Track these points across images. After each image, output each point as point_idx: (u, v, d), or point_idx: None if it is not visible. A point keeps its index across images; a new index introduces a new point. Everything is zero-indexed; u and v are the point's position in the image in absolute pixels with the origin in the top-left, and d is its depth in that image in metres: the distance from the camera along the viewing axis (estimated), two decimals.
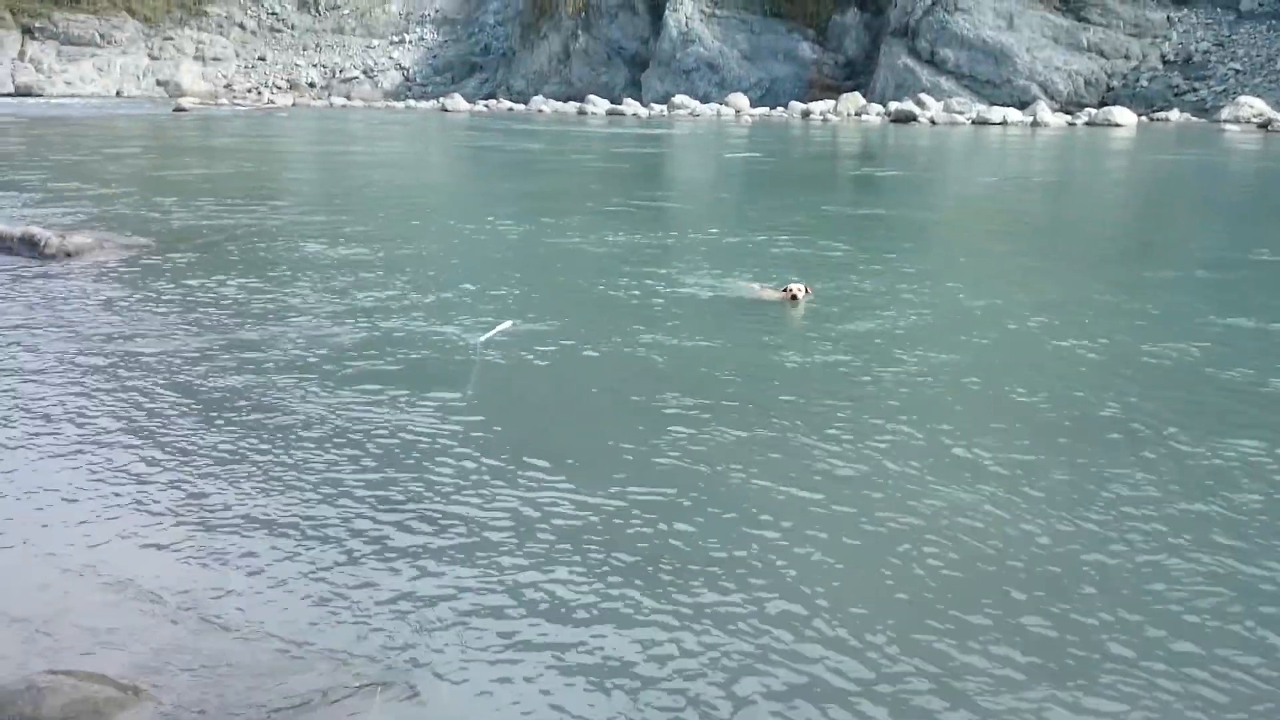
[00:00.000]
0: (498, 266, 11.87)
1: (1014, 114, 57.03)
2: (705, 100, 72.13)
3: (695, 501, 5.32)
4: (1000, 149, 39.10)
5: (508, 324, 8.48)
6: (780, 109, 68.27)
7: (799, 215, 17.44)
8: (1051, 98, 65.64)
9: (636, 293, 10.39)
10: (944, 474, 5.67)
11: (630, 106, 68.91)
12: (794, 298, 9.65)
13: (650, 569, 4.62)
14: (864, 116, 61.27)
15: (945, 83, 68.23)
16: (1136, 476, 5.68)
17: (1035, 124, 54.10)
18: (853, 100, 64.47)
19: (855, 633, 4.12)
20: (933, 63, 69.99)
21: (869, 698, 3.72)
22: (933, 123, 56.10)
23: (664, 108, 69.16)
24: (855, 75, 75.17)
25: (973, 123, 55.90)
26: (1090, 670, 3.90)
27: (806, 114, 63.19)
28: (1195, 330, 9.01)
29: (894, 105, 60.85)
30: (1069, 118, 56.97)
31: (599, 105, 69.74)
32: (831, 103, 65.16)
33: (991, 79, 68.54)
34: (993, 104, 62.12)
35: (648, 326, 8.93)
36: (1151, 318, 9.59)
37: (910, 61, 70.47)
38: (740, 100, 69.17)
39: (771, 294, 9.95)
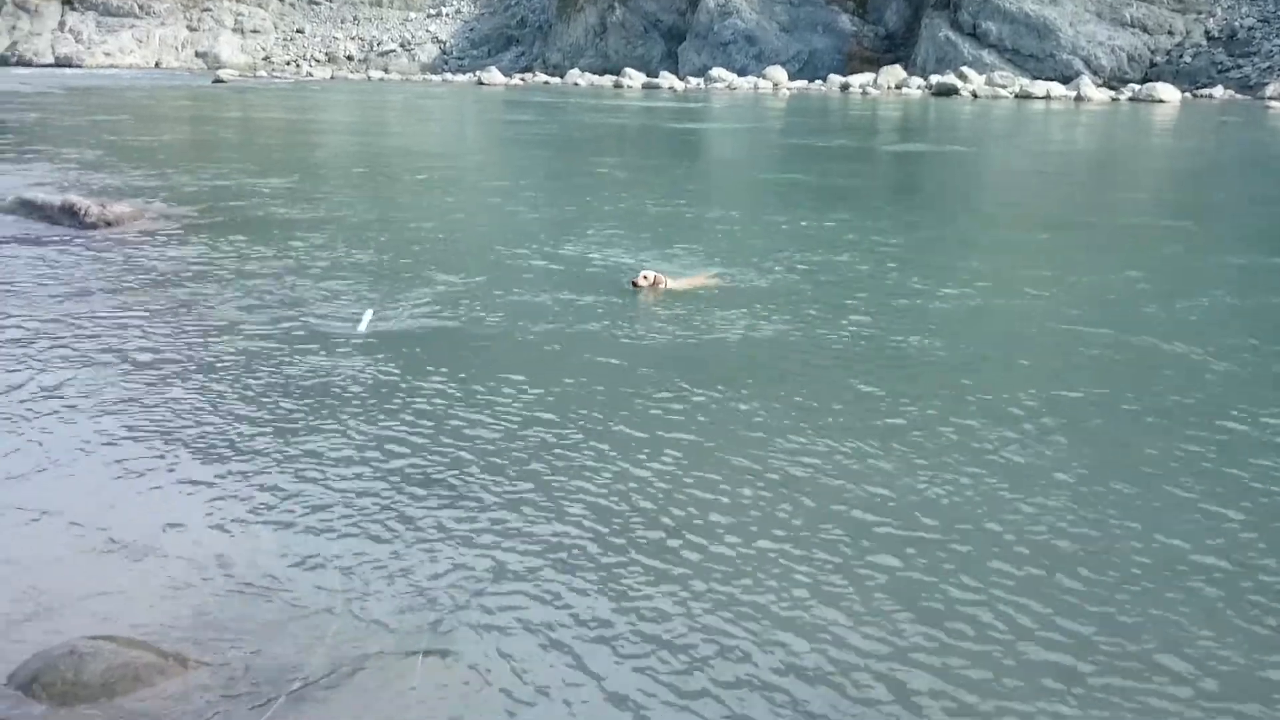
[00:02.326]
0: (522, 239, 11.81)
1: (1057, 88, 56.22)
2: (742, 73, 71.49)
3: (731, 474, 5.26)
4: (1044, 123, 38.59)
5: (370, 313, 8.23)
6: (819, 82, 67.61)
7: (823, 189, 17.27)
8: (1095, 73, 64.62)
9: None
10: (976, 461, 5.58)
11: (666, 79, 68.46)
12: (634, 285, 9.08)
13: (676, 545, 4.57)
14: (904, 90, 60.57)
15: (987, 56, 67.32)
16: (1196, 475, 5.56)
17: (1078, 99, 53.34)
18: (893, 73, 63.72)
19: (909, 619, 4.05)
20: (975, 36, 69.07)
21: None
22: (974, 96, 55.44)
23: (700, 81, 68.67)
24: (895, 48, 74.29)
25: (1015, 97, 55.20)
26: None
27: (845, 87, 62.56)
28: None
29: (935, 78, 60.10)
30: (1112, 93, 56.09)
31: (635, 78, 69.35)
32: (871, 76, 64.43)
33: (1034, 53, 67.56)
34: (1035, 78, 61.23)
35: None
36: (1202, 308, 9.41)
37: (952, 34, 69.56)
38: (778, 73, 68.50)
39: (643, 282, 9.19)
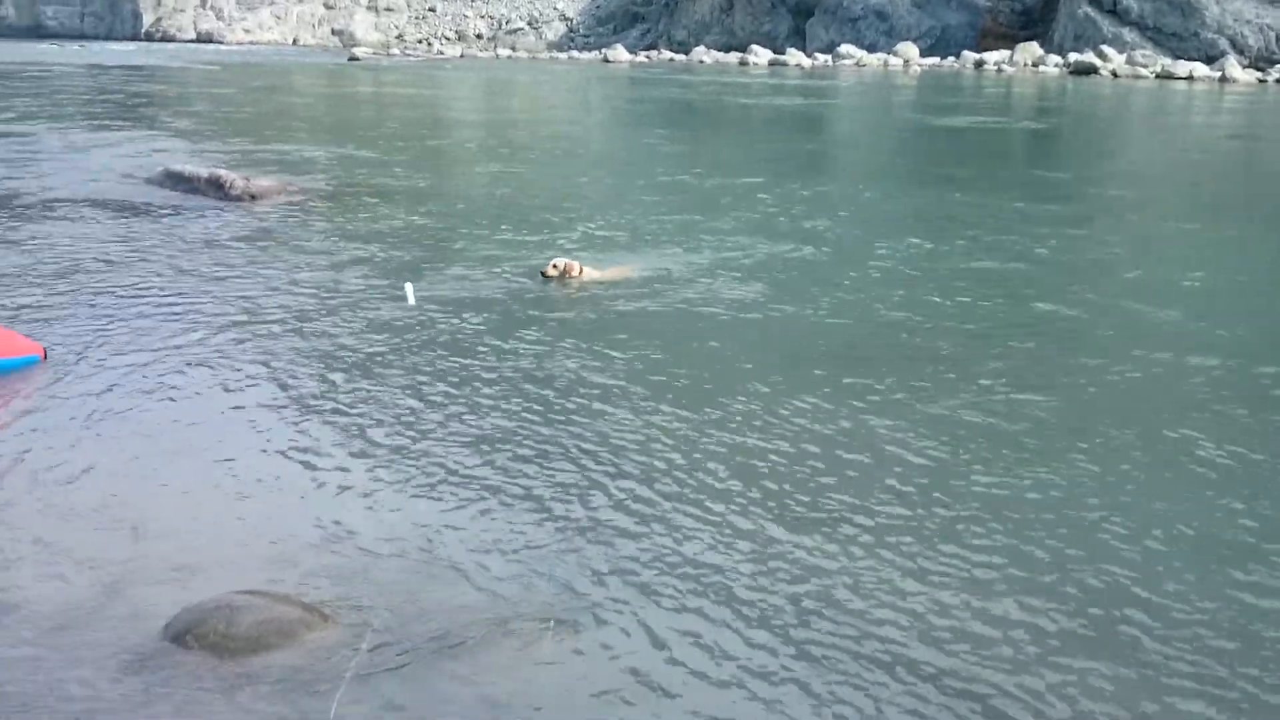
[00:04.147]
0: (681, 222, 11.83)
1: (1200, 69, 53.87)
2: (872, 49, 70.15)
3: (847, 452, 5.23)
4: (1186, 105, 37.12)
5: (410, 285, 8.21)
6: (951, 59, 66.00)
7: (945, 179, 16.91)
8: (1241, 53, 61.70)
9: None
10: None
11: (793, 56, 67.62)
12: (544, 275, 8.70)
13: (817, 519, 4.57)
14: (1041, 68, 58.76)
15: (1128, 34, 64.83)
16: None
17: (1223, 80, 51.05)
18: (1029, 51, 61.79)
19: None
20: (1115, 13, 66.56)
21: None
22: (1114, 76, 53.51)
23: (828, 58, 67.65)
24: (1032, 25, 71.99)
25: (1156, 77, 53.11)
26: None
27: (979, 64, 60.92)
28: None
29: (1073, 57, 58.14)
30: (1259, 74, 53.47)
31: (761, 55, 68.66)
32: (1006, 53, 62.61)
33: (1178, 31, 64.83)
34: (1178, 58, 58.78)
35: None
36: None
37: (1092, 11, 67.14)
38: (909, 49, 67.02)
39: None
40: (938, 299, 8.29)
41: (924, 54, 68.16)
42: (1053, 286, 8.78)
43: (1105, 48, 59.35)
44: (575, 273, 8.66)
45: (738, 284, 8.67)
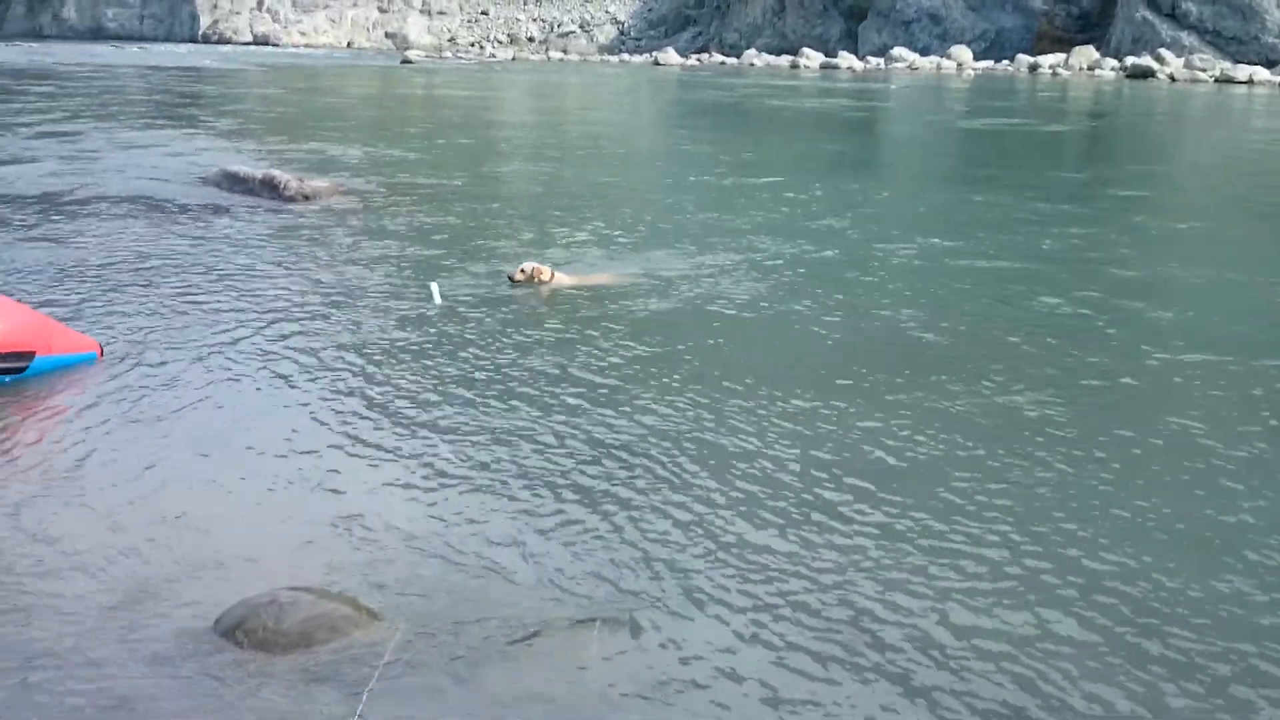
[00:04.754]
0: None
1: (1261, 73, 52.86)
2: (925, 53, 69.59)
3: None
4: (1246, 110, 36.47)
5: (435, 285, 8.28)
6: (1005, 62, 65.34)
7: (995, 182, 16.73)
8: None
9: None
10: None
11: (845, 59, 67.29)
12: (511, 280, 8.51)
13: (851, 520, 4.54)
14: (1097, 71, 58.00)
15: (1186, 38, 63.79)
16: None
17: None
18: (1084, 54, 61.00)
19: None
20: (1174, 16, 65.52)
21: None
22: (1172, 79, 52.71)
23: (880, 61, 67.21)
24: (1089, 28, 71.01)
25: (1215, 81, 52.25)
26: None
27: (1034, 68, 60.24)
28: None
29: (1130, 60, 57.34)
30: None
31: (812, 58, 68.35)
32: (1061, 56, 61.86)
33: (1238, 35, 63.69)
34: (1238, 62, 57.76)
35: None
36: None
37: (1149, 14, 66.15)
38: (963, 53, 66.43)
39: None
40: (973, 301, 8.23)
41: (978, 57, 67.51)
42: (1091, 290, 8.66)
43: (1163, 51, 58.44)
44: (545, 277, 8.50)
45: (751, 284, 8.68)
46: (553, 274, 8.57)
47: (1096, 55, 61.43)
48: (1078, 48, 62.77)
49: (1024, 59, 63.67)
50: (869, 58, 69.66)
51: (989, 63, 65.68)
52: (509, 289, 8.47)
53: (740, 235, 10.82)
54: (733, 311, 7.95)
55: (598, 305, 8.06)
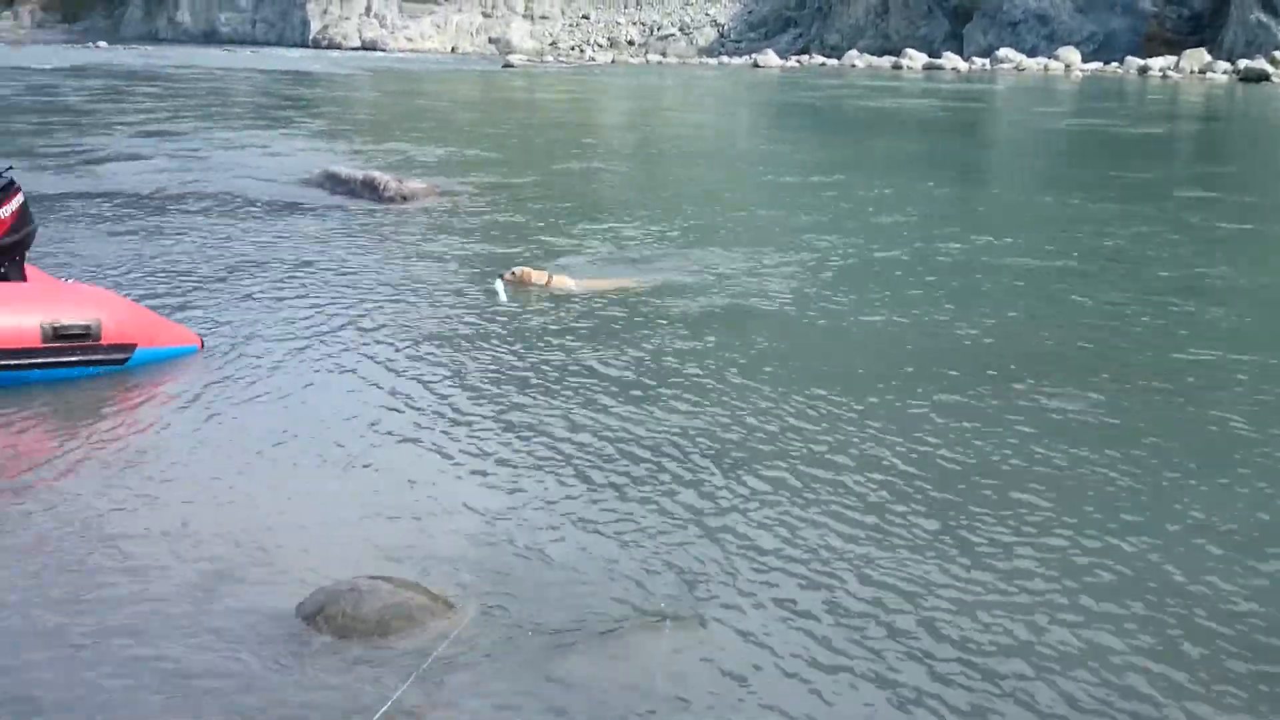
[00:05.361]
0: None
1: None
2: (1031, 54, 68.24)
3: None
4: None
5: (500, 282, 8.31)
6: (1114, 64, 63.75)
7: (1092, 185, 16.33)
8: None
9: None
10: None
11: (949, 60, 66.24)
12: (502, 278, 8.40)
13: (951, 527, 4.47)
14: (1208, 74, 56.25)
15: None
16: None
17: None
18: (1195, 57, 59.20)
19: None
20: None
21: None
22: None
23: (985, 62, 66.07)
24: (1200, 30, 68.93)
25: None
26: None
27: (1143, 70, 58.67)
28: None
29: (1243, 63, 55.44)
30: None
31: (915, 59, 67.44)
32: (1172, 59, 60.14)
33: None
34: None
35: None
36: None
37: (1263, 16, 63.87)
38: (1070, 54, 64.98)
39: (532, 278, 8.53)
40: (1032, 300, 8.06)
41: (1085, 59, 65.94)
42: (1169, 295, 8.43)
43: (1278, 54, 56.40)
44: (541, 281, 8.41)
45: (815, 283, 8.62)
46: (549, 278, 8.50)
47: (1208, 58, 59.49)
48: (1188, 50, 60.87)
49: (1133, 61, 61.99)
50: (974, 59, 68.52)
51: (1097, 65, 64.11)
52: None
53: (797, 234, 10.85)
54: (789, 311, 7.93)
55: (635, 306, 8.06)
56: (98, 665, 3.58)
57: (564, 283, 8.53)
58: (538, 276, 8.47)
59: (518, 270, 8.54)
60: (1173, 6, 71.23)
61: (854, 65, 69.69)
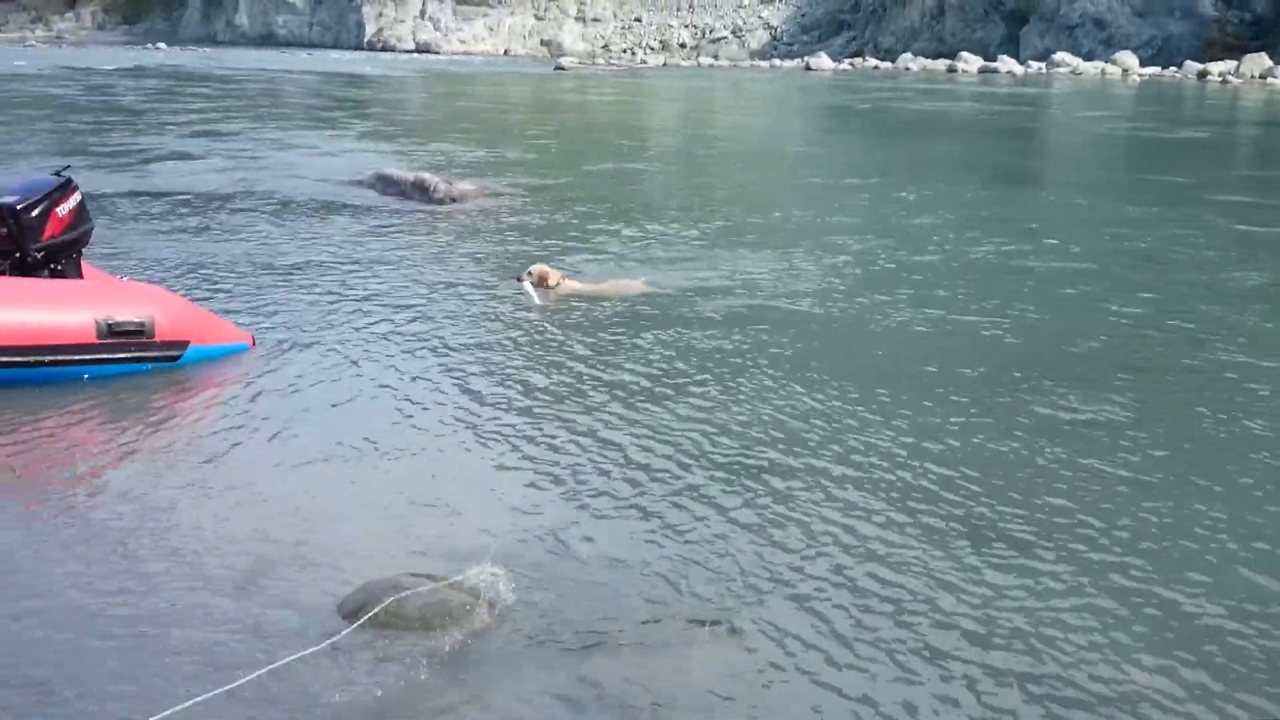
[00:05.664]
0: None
1: None
2: (1089, 58, 67.40)
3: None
4: None
5: (529, 283, 8.30)
6: (1173, 69, 62.81)
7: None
8: None
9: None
10: None
11: (1005, 64, 65.59)
12: (518, 280, 8.44)
13: (983, 532, 4.43)
14: (1269, 79, 55.26)
15: None
16: None
17: None
18: (1256, 61, 58.16)
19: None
20: None
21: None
22: None
23: (1041, 66, 65.33)
24: (1262, 35, 67.67)
25: None
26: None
27: (1203, 75, 57.76)
28: None
29: None
30: None
31: (970, 63, 66.85)
32: (1232, 64, 59.15)
33: None
34: None
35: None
36: None
37: None
38: (1128, 59, 64.12)
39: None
40: (1060, 304, 7.96)
41: (1144, 64, 65.03)
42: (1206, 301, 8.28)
43: None
44: (551, 282, 8.43)
45: (852, 283, 8.54)
46: (560, 279, 8.52)
47: (1269, 63, 58.42)
48: (1249, 55, 59.81)
49: (1192, 66, 61.03)
50: (1030, 62, 67.81)
51: (1155, 69, 63.20)
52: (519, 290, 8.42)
53: (830, 235, 10.89)
54: (817, 312, 7.89)
55: (666, 308, 8.06)
56: (140, 653, 3.64)
57: (572, 286, 8.56)
58: (554, 277, 8.52)
59: (534, 269, 8.56)
60: (1234, 11, 70.04)
61: (908, 69, 69.20)
